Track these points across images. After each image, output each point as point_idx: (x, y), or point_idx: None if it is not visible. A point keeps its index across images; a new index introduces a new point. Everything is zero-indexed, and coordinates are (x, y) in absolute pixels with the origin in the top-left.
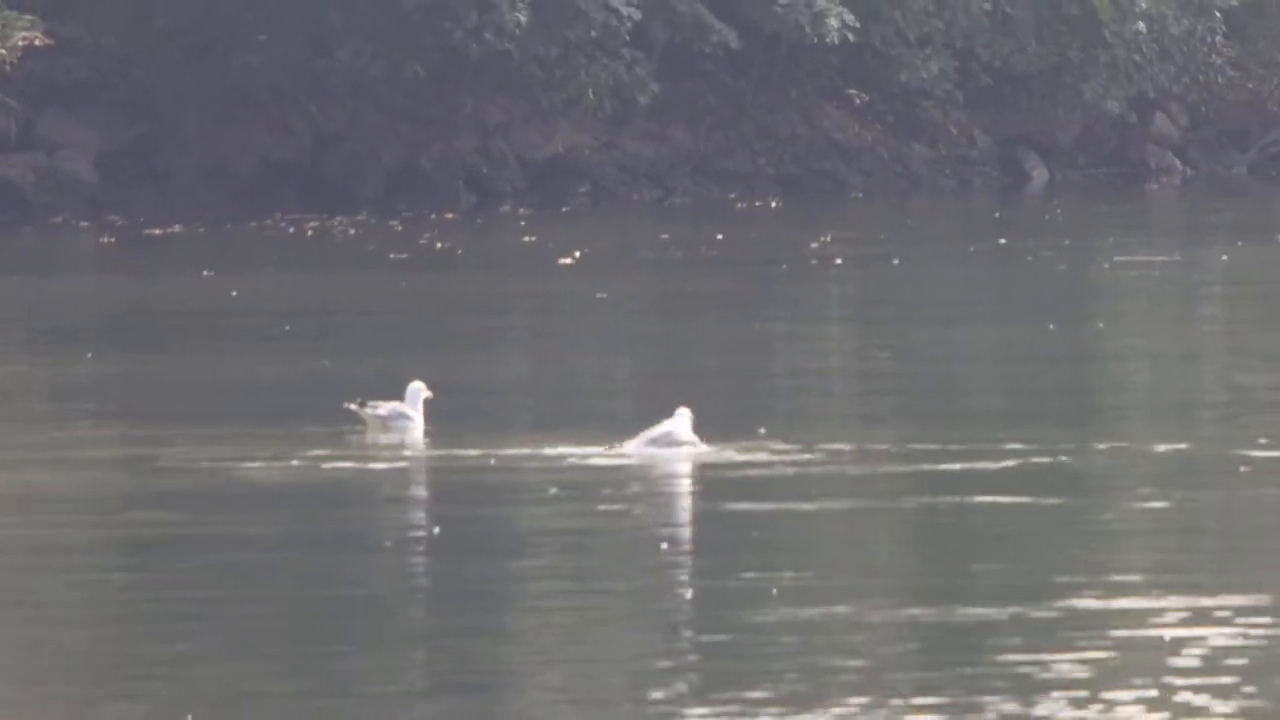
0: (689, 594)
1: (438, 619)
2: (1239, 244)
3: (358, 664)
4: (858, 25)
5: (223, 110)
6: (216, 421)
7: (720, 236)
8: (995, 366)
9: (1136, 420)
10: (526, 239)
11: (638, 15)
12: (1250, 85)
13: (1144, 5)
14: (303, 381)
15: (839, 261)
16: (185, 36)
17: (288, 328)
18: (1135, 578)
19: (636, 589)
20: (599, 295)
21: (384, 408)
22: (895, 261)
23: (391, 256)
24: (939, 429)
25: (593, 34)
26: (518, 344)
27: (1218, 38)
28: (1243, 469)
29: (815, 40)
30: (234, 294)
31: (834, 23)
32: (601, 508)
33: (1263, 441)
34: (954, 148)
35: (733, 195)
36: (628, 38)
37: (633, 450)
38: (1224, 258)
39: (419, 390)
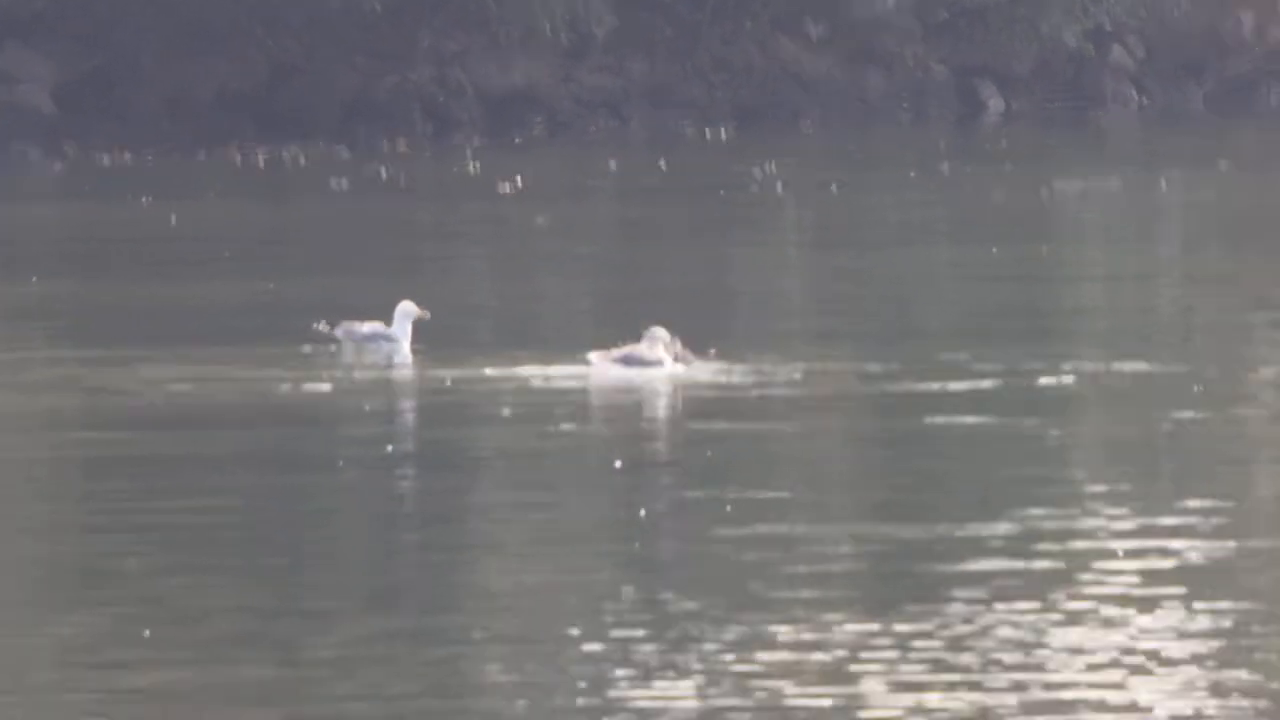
0: (641, 510)
1: (389, 536)
2: (1177, 172)
3: (309, 579)
4: None
5: (180, 42)
6: (166, 344)
7: (663, 164)
8: (944, 287)
9: (1087, 341)
10: (473, 167)
11: None
12: (1206, 17)
13: None
14: (250, 305)
15: (780, 187)
16: None
17: (228, 254)
18: (1089, 495)
19: (588, 506)
20: (539, 220)
21: (365, 327)
22: (833, 188)
23: (333, 185)
24: (894, 349)
25: None
26: (462, 269)
27: None
28: (1196, 389)
29: None
30: (173, 221)
31: None
32: (561, 427)
33: (1212, 364)
34: (910, 78)
35: (686, 123)
36: None
37: (597, 362)
38: (1163, 185)
39: (409, 311)
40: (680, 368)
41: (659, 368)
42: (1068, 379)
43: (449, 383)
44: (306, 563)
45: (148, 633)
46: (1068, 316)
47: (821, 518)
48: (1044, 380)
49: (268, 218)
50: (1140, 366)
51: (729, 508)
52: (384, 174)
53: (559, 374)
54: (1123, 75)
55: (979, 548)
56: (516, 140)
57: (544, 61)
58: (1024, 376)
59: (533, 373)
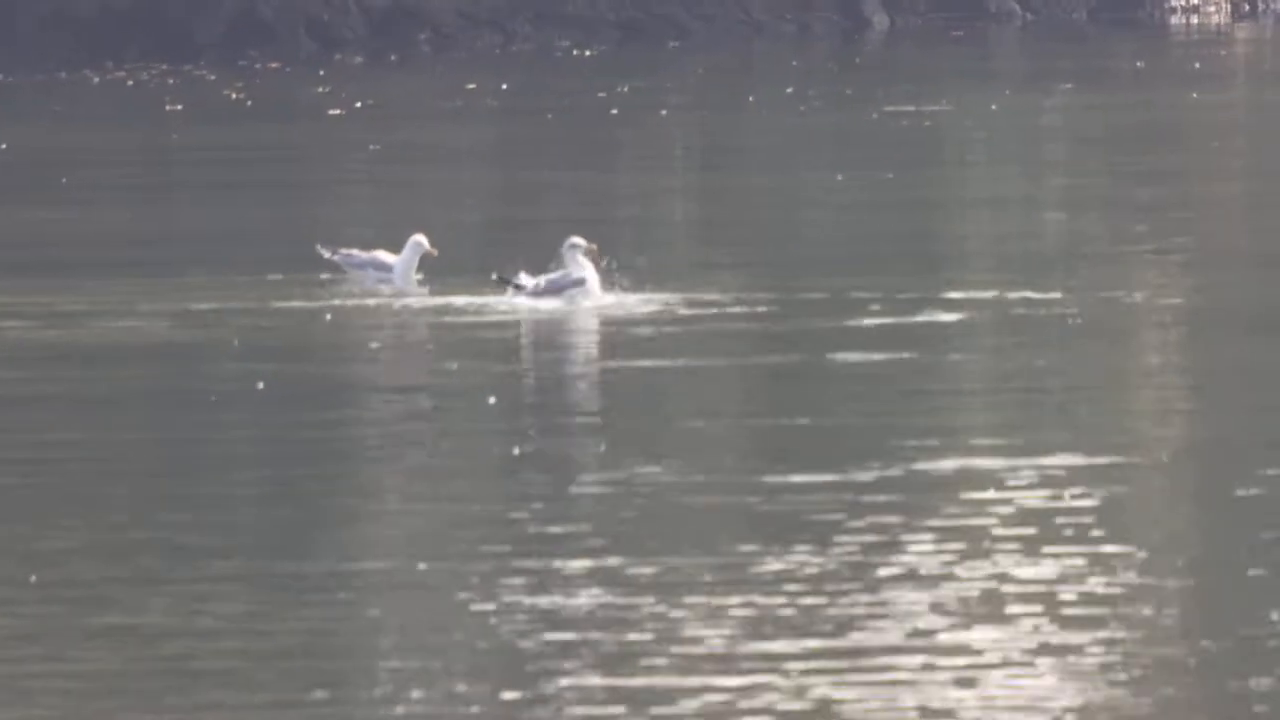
0: (515, 449)
1: (250, 472)
2: (1007, 93)
3: (167, 519)
4: None
5: None
6: (34, 272)
7: (505, 86)
8: (791, 213)
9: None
10: (320, 90)
11: None
12: None
13: None
14: (99, 232)
15: (614, 111)
16: None
17: (64, 180)
18: (978, 437)
19: (456, 447)
20: (372, 147)
21: (360, 255)
22: (663, 112)
23: (168, 108)
24: (774, 280)
25: None
26: (284, 191)
27: None
28: (1072, 321)
29: None
30: (2, 146)
31: None
32: (448, 363)
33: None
34: None
35: (566, 42)
36: None
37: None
38: (993, 107)
39: (419, 243)
40: (607, 298)
41: (585, 287)
42: (940, 313)
43: (329, 317)
44: (158, 504)
45: (34, 577)
46: (912, 240)
47: (702, 460)
48: (922, 314)
49: (101, 142)
50: (1023, 295)
51: (602, 448)
52: (233, 95)
53: (491, 304)
54: None
55: (860, 489)
56: (392, 58)
57: None
58: (904, 308)
59: (469, 302)
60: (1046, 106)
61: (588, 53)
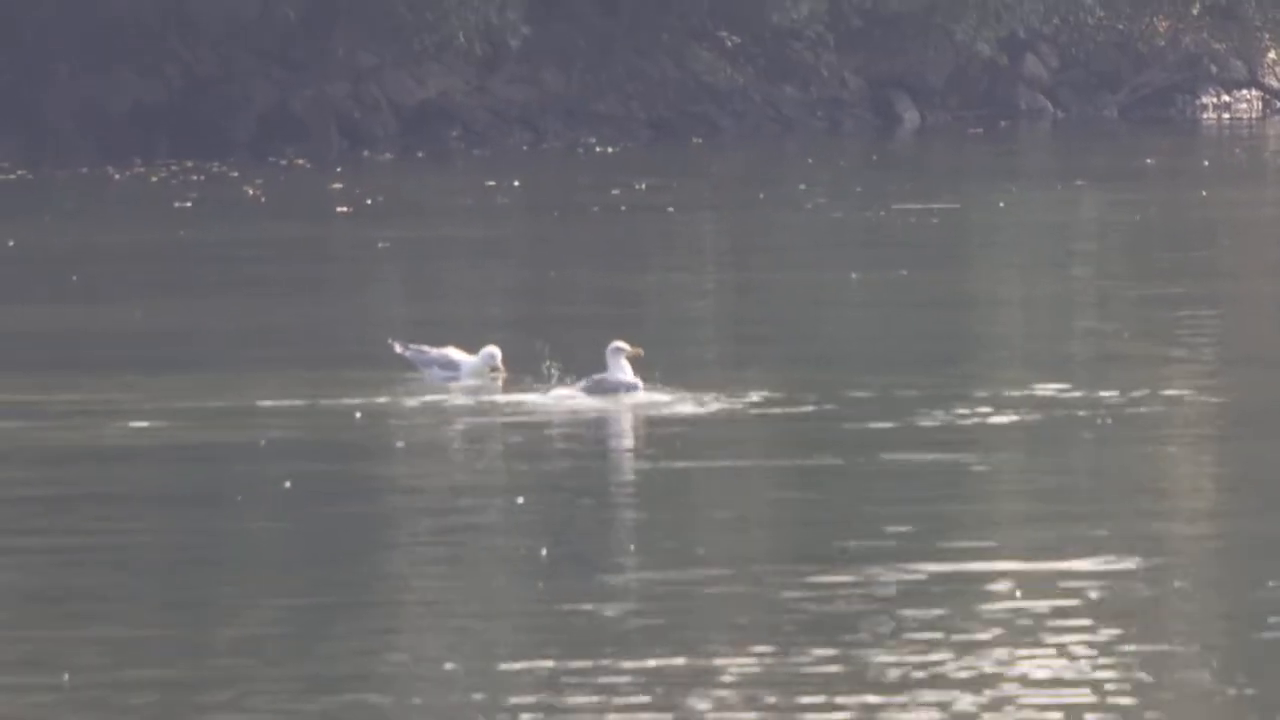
0: (543, 550)
1: (273, 571)
2: (1013, 190)
3: (188, 618)
4: None
5: (95, 53)
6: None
7: (517, 183)
8: (809, 311)
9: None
10: (336, 187)
11: None
12: (1120, 26)
13: None
14: (111, 329)
15: (622, 208)
16: None
17: (74, 277)
18: (1008, 537)
19: (484, 546)
20: (380, 245)
21: (431, 351)
22: (669, 209)
23: (176, 205)
24: (802, 377)
25: None
26: (302, 290)
27: None
28: (1104, 421)
29: None
30: (10, 243)
31: None
32: (476, 462)
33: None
34: (825, 90)
35: (592, 139)
36: None
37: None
38: (1001, 204)
39: (492, 355)
40: (639, 396)
41: (629, 390)
42: (973, 410)
43: (359, 416)
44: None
45: (66, 676)
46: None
47: (732, 561)
48: (951, 411)
49: (107, 238)
50: (1049, 393)
51: (632, 547)
52: (250, 193)
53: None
54: (1036, 86)
55: (892, 589)
56: (419, 155)
57: (458, 72)
58: (934, 405)
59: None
60: (1054, 203)
61: (609, 149)
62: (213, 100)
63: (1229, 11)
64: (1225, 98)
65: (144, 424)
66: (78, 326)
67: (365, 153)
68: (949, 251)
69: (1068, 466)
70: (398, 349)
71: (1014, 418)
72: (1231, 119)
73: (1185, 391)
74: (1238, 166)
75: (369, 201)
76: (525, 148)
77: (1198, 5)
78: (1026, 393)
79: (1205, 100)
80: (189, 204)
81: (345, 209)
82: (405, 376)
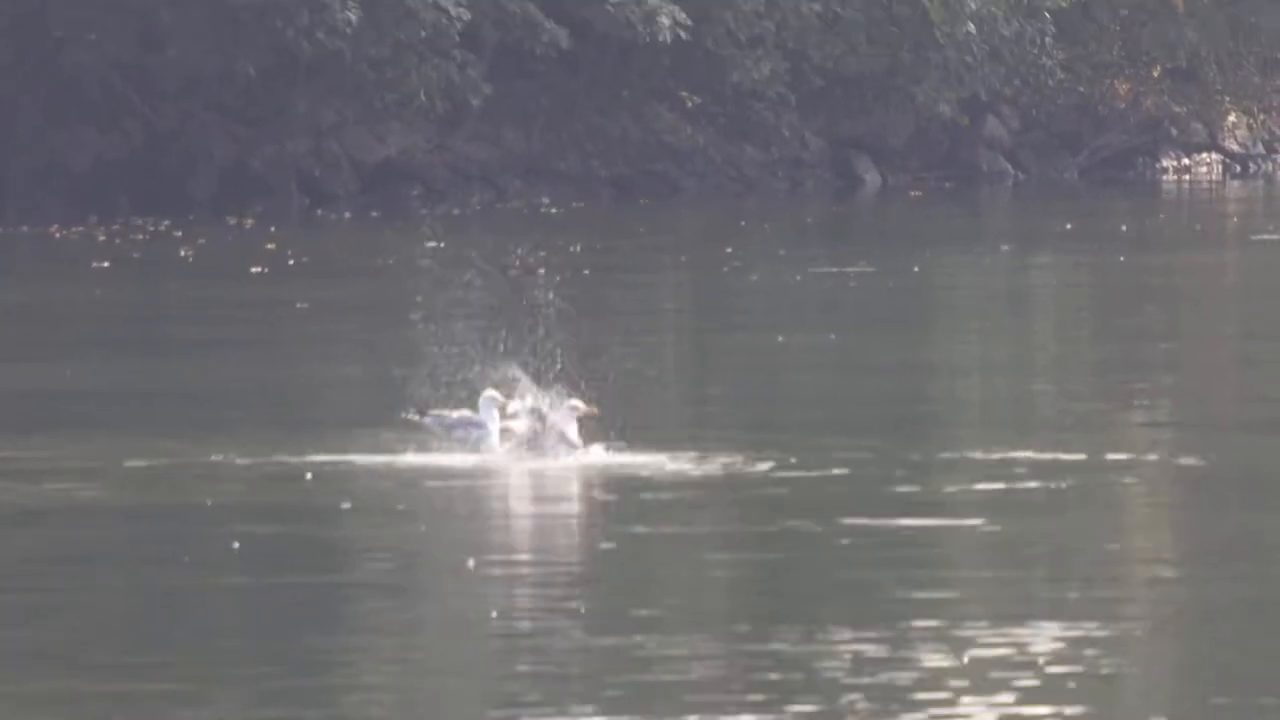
0: (493, 613)
1: (224, 635)
2: (929, 254)
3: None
4: (690, 24)
5: (55, 109)
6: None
7: (432, 244)
8: (738, 374)
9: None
10: (269, 246)
11: (467, 15)
12: (1081, 89)
13: (974, 6)
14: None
15: (541, 271)
16: (14, 35)
17: None
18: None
19: (431, 612)
20: (299, 305)
21: (451, 416)
22: (585, 272)
23: (94, 265)
24: (764, 440)
25: (423, 34)
26: (217, 351)
27: (1048, 39)
28: (1061, 485)
29: (647, 39)
30: None
31: (665, 20)
32: (422, 525)
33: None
34: (786, 150)
35: (547, 199)
36: (458, 38)
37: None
38: (915, 269)
39: (492, 398)
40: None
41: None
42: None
43: (309, 476)
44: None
45: None
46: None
47: (692, 627)
48: (899, 471)
49: (23, 296)
50: (1012, 455)
51: (582, 610)
52: (183, 252)
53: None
54: (997, 147)
55: (855, 654)
56: (374, 214)
57: (418, 130)
58: (880, 466)
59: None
60: (972, 266)
61: (554, 210)
62: (173, 157)
63: (1189, 75)
64: (1185, 160)
65: (80, 484)
66: (2, 385)
67: (319, 211)
68: (869, 315)
69: (1028, 531)
70: (415, 418)
71: (969, 482)
72: (1191, 182)
73: (1139, 455)
74: (1189, 230)
75: (290, 262)
76: (477, 207)
77: (1158, 68)
78: (982, 456)
79: (1166, 163)
80: (106, 264)
81: (260, 269)
82: (351, 434)
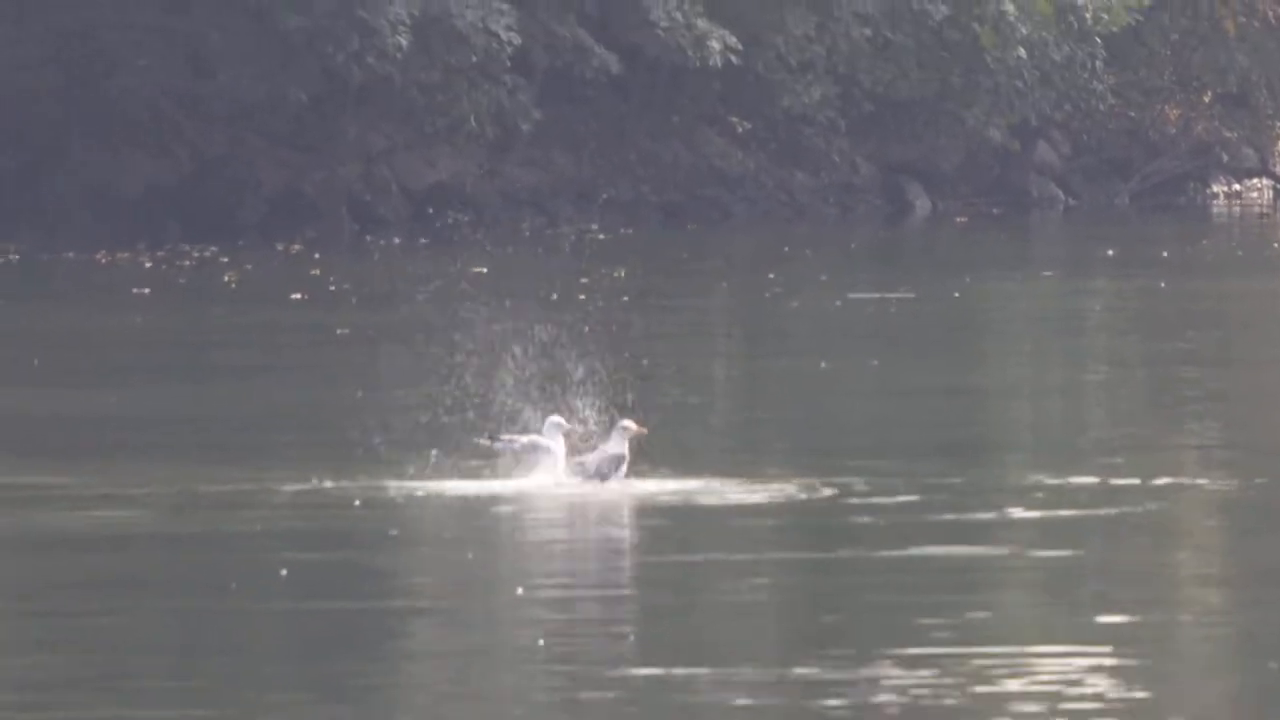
0: (540, 640)
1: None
2: (970, 280)
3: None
4: (740, 48)
5: (104, 135)
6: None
7: (478, 270)
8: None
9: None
10: (313, 272)
11: (518, 40)
12: (1132, 113)
13: (1025, 31)
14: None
15: (581, 298)
16: (64, 60)
17: (36, 361)
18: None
19: (480, 640)
20: (339, 331)
21: (520, 441)
22: (625, 298)
23: (135, 291)
24: (808, 466)
25: (473, 59)
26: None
27: (1099, 64)
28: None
29: (697, 64)
30: None
31: (716, 45)
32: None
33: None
34: (837, 175)
35: (595, 225)
36: (508, 63)
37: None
38: (956, 294)
39: (558, 424)
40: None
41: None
42: (979, 498)
43: (357, 503)
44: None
45: None
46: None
47: (733, 655)
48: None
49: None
50: (1057, 482)
51: (631, 637)
52: (226, 279)
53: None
54: (1048, 173)
55: (902, 684)
56: (422, 241)
57: (468, 155)
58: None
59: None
60: (1012, 292)
61: (602, 236)
62: (222, 183)
63: (1241, 100)
64: (1236, 186)
65: (125, 510)
66: (47, 411)
67: (368, 237)
68: (911, 341)
69: (1078, 557)
70: (486, 443)
71: (1023, 508)
72: (1242, 207)
73: (1192, 481)
74: (1231, 255)
75: (331, 288)
76: (526, 233)
77: (1209, 93)
78: (1034, 481)
79: (1216, 189)
80: (147, 290)
81: (301, 295)
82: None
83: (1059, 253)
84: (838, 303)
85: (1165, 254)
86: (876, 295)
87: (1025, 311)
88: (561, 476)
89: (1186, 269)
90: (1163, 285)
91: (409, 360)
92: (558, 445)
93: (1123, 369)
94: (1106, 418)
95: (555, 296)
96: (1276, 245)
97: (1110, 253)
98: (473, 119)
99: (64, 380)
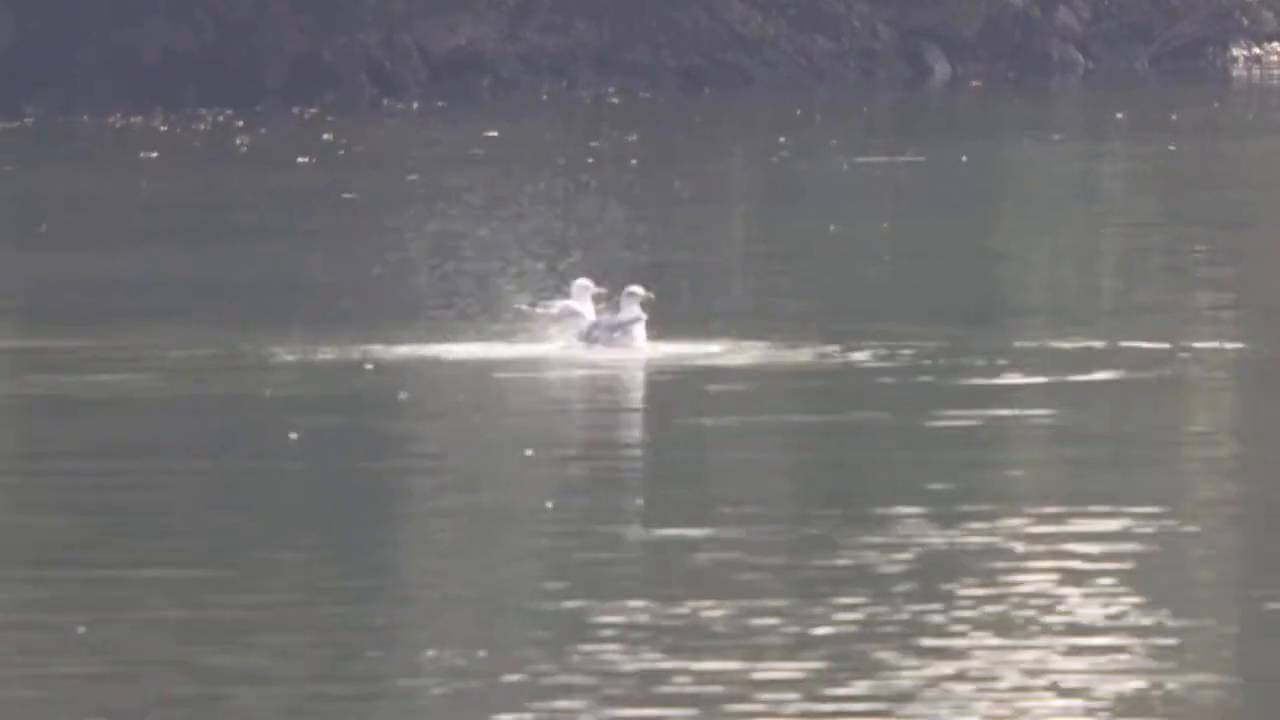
0: (548, 503)
1: (283, 524)
2: (977, 143)
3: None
4: None
5: (123, 2)
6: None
7: (489, 134)
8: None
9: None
10: (325, 136)
11: None
12: None
13: None
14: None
15: (589, 161)
16: None
17: (44, 226)
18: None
19: (489, 500)
20: (345, 195)
21: (555, 306)
22: (633, 161)
23: (142, 155)
24: (822, 329)
25: None
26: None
27: None
28: (1125, 374)
29: None
30: None
31: None
32: (479, 415)
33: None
34: (857, 40)
35: (613, 89)
36: None
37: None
38: (963, 158)
39: (585, 286)
40: (660, 348)
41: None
42: (976, 360)
43: (370, 367)
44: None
45: (81, 629)
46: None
47: (741, 515)
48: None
49: (69, 187)
50: (1065, 345)
51: (640, 502)
52: (238, 142)
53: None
54: (1069, 38)
55: (910, 546)
56: (440, 104)
57: (489, 20)
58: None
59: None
60: (1019, 156)
61: (616, 100)
62: (244, 48)
63: None
64: (1256, 50)
65: (133, 375)
66: (54, 274)
67: (385, 101)
68: (917, 204)
69: (1092, 420)
70: (526, 308)
71: (1040, 374)
72: (1262, 71)
73: (1211, 344)
74: (1241, 119)
75: (341, 152)
76: (543, 98)
77: None
78: (1044, 345)
79: (1236, 52)
80: (154, 154)
81: (307, 159)
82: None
83: (1071, 116)
84: (845, 166)
85: (1174, 117)
86: (885, 159)
87: (1029, 175)
88: (574, 341)
89: (1196, 132)
90: (1172, 148)
91: (416, 226)
92: (586, 307)
93: (1129, 231)
94: (1116, 281)
95: (562, 161)
96: None
97: (1120, 116)
98: None
99: (70, 244)
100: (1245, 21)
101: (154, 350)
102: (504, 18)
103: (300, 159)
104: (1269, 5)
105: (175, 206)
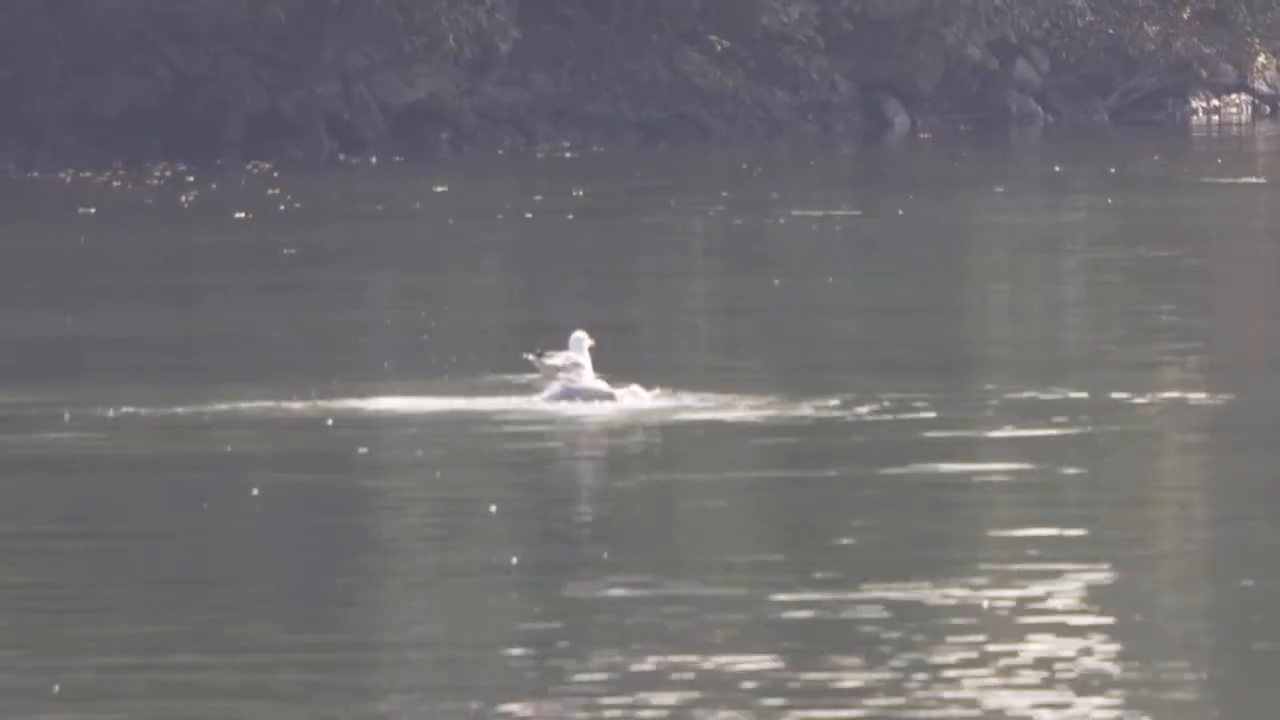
0: (514, 559)
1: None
2: (911, 197)
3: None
4: None
5: (85, 55)
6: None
7: (439, 188)
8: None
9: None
10: (271, 191)
11: None
12: (1110, 30)
13: None
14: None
15: (528, 215)
16: None
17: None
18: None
19: (454, 557)
20: (286, 251)
21: (559, 357)
22: (569, 217)
23: (80, 211)
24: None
25: None
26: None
27: None
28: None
29: None
30: None
31: None
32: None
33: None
34: (816, 94)
35: (567, 144)
36: None
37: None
38: (900, 212)
39: (581, 339)
40: (632, 400)
41: (604, 400)
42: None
43: (330, 422)
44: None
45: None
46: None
47: (703, 568)
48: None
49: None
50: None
51: (605, 555)
52: (183, 199)
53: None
54: (1027, 90)
55: (875, 603)
56: (396, 159)
57: (447, 74)
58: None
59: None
60: (957, 208)
61: (569, 155)
62: (203, 102)
63: (1219, 16)
64: (1215, 102)
65: (91, 433)
66: None
67: (341, 157)
68: (856, 257)
69: (1059, 474)
70: (533, 359)
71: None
72: (1221, 123)
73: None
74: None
75: (281, 208)
76: (500, 152)
77: (1188, 10)
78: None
79: (1195, 104)
80: (93, 210)
81: (245, 215)
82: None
83: (1023, 169)
84: (782, 220)
85: (1112, 170)
86: (820, 213)
87: (965, 227)
88: (538, 398)
89: (1131, 186)
90: (1109, 201)
91: (360, 281)
92: (585, 358)
93: (1050, 284)
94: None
95: (500, 216)
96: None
97: (1058, 169)
98: (451, 38)
99: (6, 301)
100: (1204, 73)
101: (100, 407)
102: (461, 71)
103: (237, 214)
104: (1227, 58)
105: (111, 264)
